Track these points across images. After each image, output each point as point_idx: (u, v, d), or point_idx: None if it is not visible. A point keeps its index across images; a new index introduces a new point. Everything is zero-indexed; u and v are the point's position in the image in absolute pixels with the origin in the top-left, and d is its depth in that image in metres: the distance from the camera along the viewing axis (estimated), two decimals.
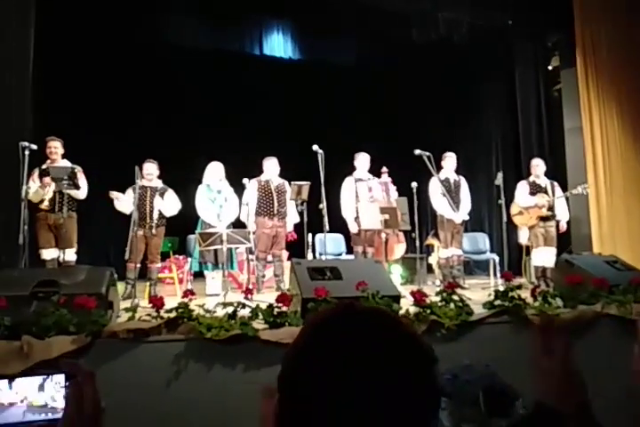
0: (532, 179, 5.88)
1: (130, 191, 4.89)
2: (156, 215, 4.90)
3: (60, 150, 4.74)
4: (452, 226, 5.76)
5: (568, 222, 5.89)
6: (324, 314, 0.72)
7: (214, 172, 5.43)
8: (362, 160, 5.81)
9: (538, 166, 5.85)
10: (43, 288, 3.23)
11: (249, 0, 6.30)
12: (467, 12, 6.55)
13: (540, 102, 7.26)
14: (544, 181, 5.83)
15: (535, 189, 5.79)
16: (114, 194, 4.78)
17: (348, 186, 5.72)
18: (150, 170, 5.01)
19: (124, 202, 4.84)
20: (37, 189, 4.49)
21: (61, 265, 4.45)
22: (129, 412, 2.60)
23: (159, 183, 5.10)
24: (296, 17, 7.00)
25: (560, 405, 0.87)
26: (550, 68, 7.29)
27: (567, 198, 5.93)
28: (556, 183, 5.91)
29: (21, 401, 0.74)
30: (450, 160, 5.92)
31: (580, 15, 6.56)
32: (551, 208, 5.67)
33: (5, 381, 0.72)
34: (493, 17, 6.82)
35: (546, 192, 5.76)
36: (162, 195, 5.03)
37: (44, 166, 4.62)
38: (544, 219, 5.66)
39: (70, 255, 4.62)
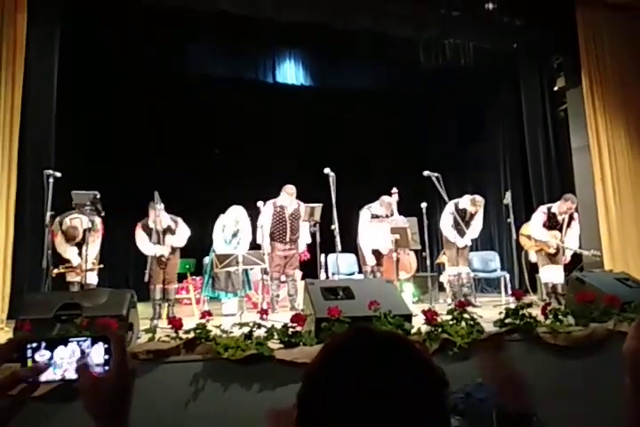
0: (553, 209, 5.74)
1: (142, 234, 4.99)
2: (166, 252, 5.00)
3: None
4: (457, 246, 5.83)
5: (578, 240, 5.90)
6: (341, 337, 0.78)
7: (233, 214, 5.53)
8: (385, 203, 5.88)
9: (571, 209, 5.64)
10: (66, 311, 3.34)
11: (262, 29, 6.52)
12: (472, 37, 6.70)
13: (547, 122, 7.33)
14: (563, 216, 5.71)
15: (551, 224, 5.70)
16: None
17: (364, 221, 5.82)
18: (159, 211, 4.98)
19: (145, 246, 4.99)
20: (76, 259, 4.75)
21: (83, 287, 4.58)
22: None
23: (168, 220, 5.07)
24: (307, 45, 7.20)
25: (517, 406, 1.02)
26: (556, 88, 7.40)
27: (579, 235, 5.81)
28: (575, 216, 5.76)
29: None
30: (480, 203, 5.79)
31: (584, 35, 6.67)
32: (558, 250, 5.62)
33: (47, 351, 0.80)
34: (498, 41, 6.96)
35: (560, 229, 5.69)
36: (173, 232, 5.09)
37: (64, 225, 4.79)
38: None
39: (92, 278, 4.77)
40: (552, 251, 5.64)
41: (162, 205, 4.75)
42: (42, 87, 5.18)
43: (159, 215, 4.92)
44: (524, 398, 1.05)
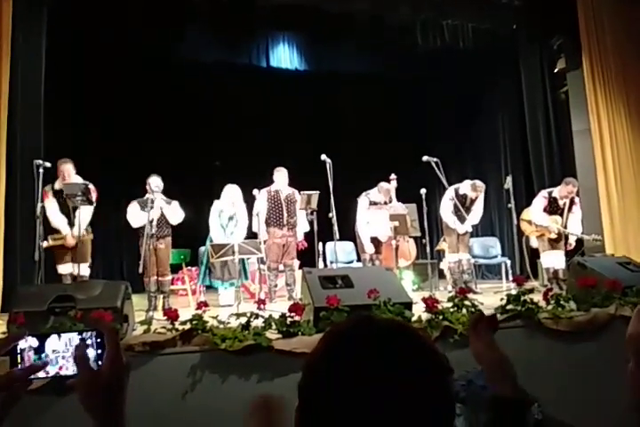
0: (554, 194, 5.69)
1: (135, 204, 4.94)
2: (154, 223, 4.81)
3: (73, 172, 4.77)
4: (458, 232, 5.78)
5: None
6: (343, 325, 0.75)
7: (228, 195, 5.45)
8: (384, 189, 5.79)
9: (572, 193, 5.59)
10: (59, 303, 3.29)
11: (255, 13, 6.39)
12: (471, 19, 6.58)
13: (548, 105, 7.23)
14: (564, 201, 5.66)
15: (552, 208, 5.64)
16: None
17: (362, 209, 5.75)
18: (158, 184, 5.00)
19: (135, 215, 4.90)
20: (65, 228, 4.60)
21: (76, 279, 4.52)
22: (145, 424, 2.63)
23: (163, 196, 5.08)
24: (301, 28, 7.07)
25: (499, 387, 1.02)
26: (556, 70, 7.28)
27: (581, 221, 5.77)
28: (576, 200, 5.72)
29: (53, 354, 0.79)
30: (480, 188, 5.74)
31: (585, 16, 6.55)
32: (559, 235, 5.57)
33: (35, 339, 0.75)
34: (498, 21, 6.85)
35: (561, 214, 5.63)
36: (168, 203, 5.04)
37: (56, 186, 4.70)
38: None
39: (84, 270, 4.70)
40: (553, 236, 5.58)
41: (148, 195, 4.74)
42: (29, 76, 5.09)
43: (152, 183, 4.86)
44: (512, 382, 1.04)
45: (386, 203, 5.82)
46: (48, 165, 4.32)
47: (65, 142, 5.82)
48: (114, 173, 6.59)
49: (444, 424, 0.69)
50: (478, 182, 5.74)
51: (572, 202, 5.70)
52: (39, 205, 4.21)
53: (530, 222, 5.79)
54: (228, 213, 5.41)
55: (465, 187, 5.77)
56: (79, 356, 0.75)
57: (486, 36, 6.82)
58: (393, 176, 6.27)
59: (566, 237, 5.67)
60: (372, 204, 5.78)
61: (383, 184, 5.87)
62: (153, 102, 7.25)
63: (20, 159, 4.75)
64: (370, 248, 5.67)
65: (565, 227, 5.61)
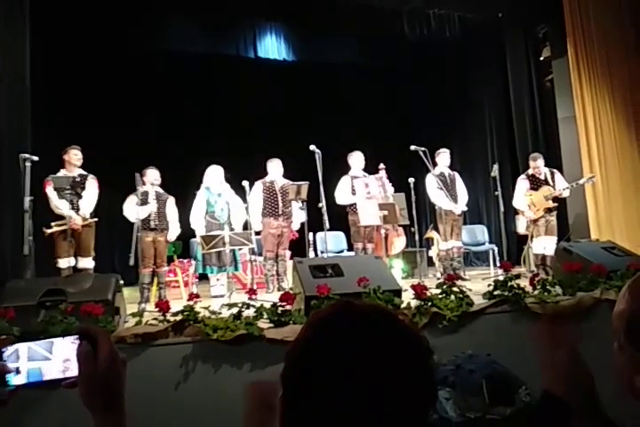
0: (530, 172, 5.90)
1: (133, 198, 4.93)
2: (154, 216, 4.91)
3: (75, 158, 4.81)
4: (452, 218, 5.83)
5: (565, 210, 5.94)
6: (323, 312, 0.75)
7: (214, 175, 5.47)
8: (355, 159, 5.87)
9: (536, 161, 5.84)
10: (50, 297, 3.28)
11: (242, 3, 6.33)
12: (457, 7, 6.59)
13: (533, 93, 7.29)
14: (543, 173, 5.85)
15: (536, 184, 5.81)
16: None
17: (344, 183, 5.79)
18: (157, 177, 5.07)
19: (132, 209, 4.90)
20: (68, 211, 4.53)
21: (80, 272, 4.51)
22: (139, 416, 2.65)
23: (161, 190, 5.16)
24: (289, 18, 7.03)
25: (568, 395, 0.91)
26: (542, 58, 7.33)
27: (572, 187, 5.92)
28: (555, 171, 5.93)
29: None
30: (444, 156, 5.98)
31: (569, 4, 6.58)
32: (556, 199, 5.71)
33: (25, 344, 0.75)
34: (483, 10, 6.86)
35: (547, 184, 5.79)
36: (165, 198, 5.11)
37: (58, 174, 4.68)
38: (549, 209, 5.71)
39: (88, 263, 4.69)
40: (551, 203, 5.66)
41: (147, 188, 4.73)
42: (14, 69, 5.00)
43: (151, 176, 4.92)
44: (565, 383, 0.96)
45: (365, 176, 5.84)
46: (35, 158, 4.27)
47: (52, 135, 5.75)
48: (101, 165, 6.52)
49: (426, 406, 0.70)
50: (440, 149, 5.92)
51: (552, 173, 5.87)
52: (27, 199, 4.16)
53: (529, 207, 5.86)
54: (217, 191, 5.41)
55: (437, 168, 5.85)
56: (82, 353, 0.75)
57: (472, 25, 6.85)
58: (382, 166, 6.28)
59: (558, 200, 5.75)
60: (354, 178, 5.81)
61: (353, 153, 5.88)
62: (139, 94, 7.17)
63: (6, 153, 4.68)
64: (349, 200, 5.65)
65: (557, 189, 5.74)
